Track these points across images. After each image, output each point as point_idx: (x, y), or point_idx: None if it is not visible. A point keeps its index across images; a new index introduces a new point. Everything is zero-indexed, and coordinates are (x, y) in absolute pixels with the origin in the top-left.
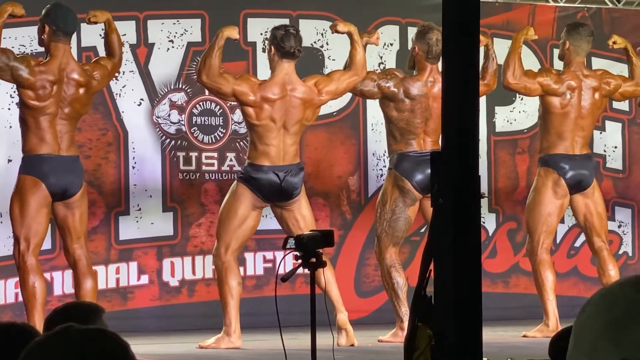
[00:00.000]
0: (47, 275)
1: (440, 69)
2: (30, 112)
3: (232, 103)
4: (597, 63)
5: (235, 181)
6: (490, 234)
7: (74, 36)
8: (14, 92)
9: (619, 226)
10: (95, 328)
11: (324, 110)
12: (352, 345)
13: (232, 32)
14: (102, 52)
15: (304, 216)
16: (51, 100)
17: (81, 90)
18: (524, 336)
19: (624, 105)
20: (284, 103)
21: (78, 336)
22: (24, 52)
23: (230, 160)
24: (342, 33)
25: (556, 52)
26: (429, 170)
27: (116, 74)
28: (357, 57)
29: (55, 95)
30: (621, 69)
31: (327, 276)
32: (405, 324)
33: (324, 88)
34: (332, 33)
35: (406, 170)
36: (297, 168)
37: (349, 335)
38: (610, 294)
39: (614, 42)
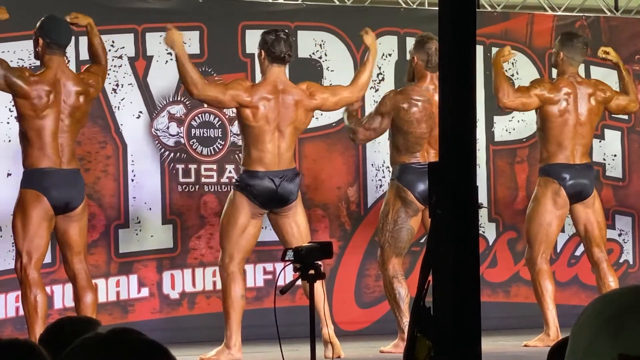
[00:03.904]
0: (47, 289)
1: None
2: (30, 125)
3: (232, 114)
4: (595, 72)
5: (232, 190)
6: (490, 244)
7: (72, 49)
8: (13, 105)
9: (619, 234)
10: (151, 340)
11: (323, 121)
12: (339, 357)
13: (175, 36)
14: None
15: (299, 224)
16: (48, 110)
17: (81, 99)
18: (525, 346)
19: None
20: (276, 104)
21: (133, 342)
22: (23, 65)
23: (230, 172)
24: (364, 43)
25: None
26: None
27: (115, 87)
28: (362, 78)
29: (52, 105)
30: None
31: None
32: None
33: (316, 92)
34: (359, 35)
35: (408, 182)
36: (292, 173)
37: (335, 348)
38: (608, 296)
39: (606, 53)
